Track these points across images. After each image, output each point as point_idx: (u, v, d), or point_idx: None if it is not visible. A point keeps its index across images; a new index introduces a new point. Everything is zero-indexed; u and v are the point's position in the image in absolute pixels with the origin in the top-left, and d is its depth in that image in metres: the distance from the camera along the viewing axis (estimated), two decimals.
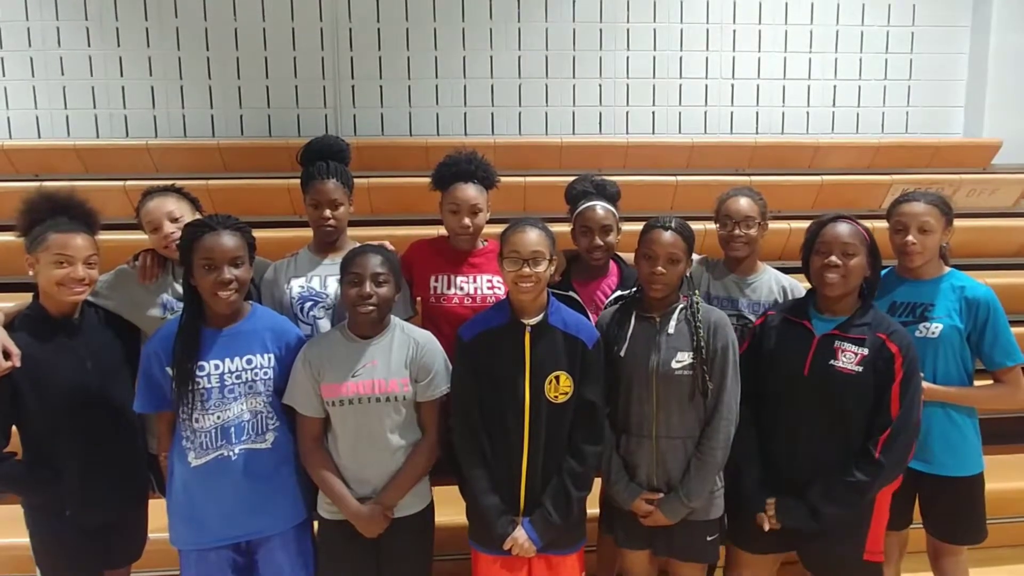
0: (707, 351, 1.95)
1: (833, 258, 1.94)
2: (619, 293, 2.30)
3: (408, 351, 1.97)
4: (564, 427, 1.96)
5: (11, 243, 2.01)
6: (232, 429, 1.88)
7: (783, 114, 5.56)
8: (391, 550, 1.99)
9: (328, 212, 2.25)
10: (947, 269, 2.26)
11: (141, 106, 5.22)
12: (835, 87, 5.56)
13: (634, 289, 2.15)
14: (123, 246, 2.33)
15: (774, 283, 2.40)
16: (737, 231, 2.36)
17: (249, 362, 1.91)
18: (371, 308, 1.89)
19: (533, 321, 1.95)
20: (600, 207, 2.30)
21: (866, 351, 1.93)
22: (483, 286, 2.37)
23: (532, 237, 1.92)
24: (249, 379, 1.90)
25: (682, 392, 1.96)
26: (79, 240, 1.92)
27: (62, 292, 1.91)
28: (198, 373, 1.85)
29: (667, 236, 1.96)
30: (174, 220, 2.12)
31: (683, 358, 1.95)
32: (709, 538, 2.03)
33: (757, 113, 5.54)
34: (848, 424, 1.95)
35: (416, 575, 2.08)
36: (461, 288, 2.36)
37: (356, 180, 2.41)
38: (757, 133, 5.53)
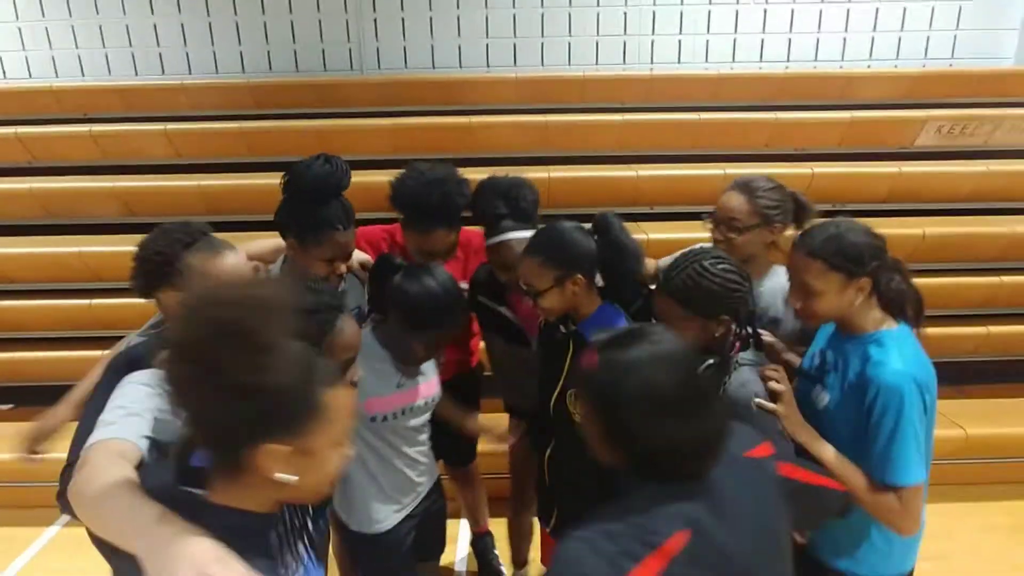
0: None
1: None
2: None
3: None
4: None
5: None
6: None
7: (817, 40, 5.27)
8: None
9: (343, 265, 1.96)
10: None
11: (173, 44, 5.34)
12: (877, 9, 5.18)
13: None
14: (162, 191, 2.36)
15: (779, 292, 1.91)
16: (717, 234, 1.95)
17: None
18: None
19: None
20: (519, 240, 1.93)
21: None
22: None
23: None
24: None
25: None
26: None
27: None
28: None
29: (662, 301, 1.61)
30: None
31: None
32: None
33: (790, 40, 5.27)
34: None
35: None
36: None
37: (378, 120, 2.27)
38: (788, 61, 5.29)
